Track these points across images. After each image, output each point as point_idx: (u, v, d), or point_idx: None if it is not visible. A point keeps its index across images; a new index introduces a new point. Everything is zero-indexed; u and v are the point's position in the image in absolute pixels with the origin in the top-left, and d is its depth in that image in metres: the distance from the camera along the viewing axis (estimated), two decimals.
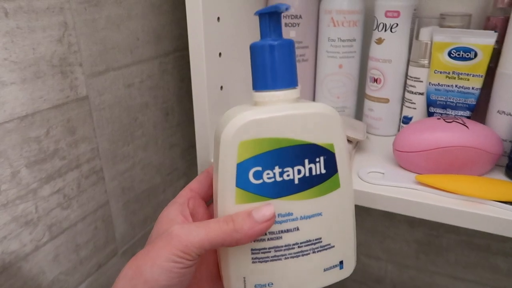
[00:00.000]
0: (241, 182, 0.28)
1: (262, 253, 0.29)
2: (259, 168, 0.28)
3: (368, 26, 0.54)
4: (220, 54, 0.45)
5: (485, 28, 0.48)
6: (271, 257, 0.30)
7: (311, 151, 0.28)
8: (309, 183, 0.29)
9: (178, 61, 0.55)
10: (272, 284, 0.30)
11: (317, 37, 0.55)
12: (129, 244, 0.51)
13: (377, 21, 0.51)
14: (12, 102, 0.34)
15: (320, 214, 0.30)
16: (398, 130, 0.55)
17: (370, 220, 0.71)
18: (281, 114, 0.28)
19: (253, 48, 0.29)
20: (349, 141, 0.49)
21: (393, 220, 0.68)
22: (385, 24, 0.50)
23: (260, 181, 0.28)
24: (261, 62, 0.28)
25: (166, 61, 0.52)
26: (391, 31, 0.50)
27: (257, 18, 0.29)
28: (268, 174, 0.28)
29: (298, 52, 0.55)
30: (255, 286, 0.30)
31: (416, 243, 0.69)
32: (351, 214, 0.32)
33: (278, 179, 0.28)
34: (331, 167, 0.29)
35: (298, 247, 0.30)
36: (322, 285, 0.31)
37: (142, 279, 0.26)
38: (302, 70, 0.56)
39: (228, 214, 0.28)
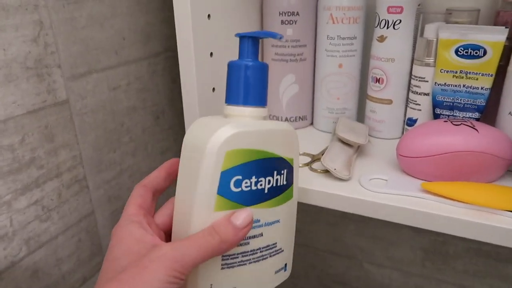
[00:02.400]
0: (222, 189, 0.29)
1: (231, 259, 0.31)
2: (240, 177, 0.29)
3: (370, 23, 0.51)
4: (211, 54, 0.43)
5: (495, 24, 0.45)
6: (238, 262, 0.31)
7: (279, 164, 0.32)
8: (274, 192, 0.32)
9: (169, 62, 0.52)
10: None
11: (315, 35, 0.52)
12: None
13: (379, 18, 0.48)
14: None
15: (278, 221, 0.33)
16: (402, 133, 0.52)
17: (373, 226, 0.68)
18: (259, 129, 0.30)
19: (232, 66, 0.32)
20: (349, 145, 0.46)
21: (397, 226, 0.65)
22: (388, 21, 0.47)
23: (239, 189, 0.29)
24: (238, 79, 0.31)
25: (156, 62, 0.50)
26: (393, 28, 0.47)
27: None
28: (246, 183, 0.30)
29: (295, 51, 0.52)
30: None
31: (421, 250, 0.66)
32: (294, 222, 0.36)
33: (253, 188, 0.30)
34: (290, 179, 0.33)
35: (260, 251, 0.32)
36: (272, 287, 0.34)
37: None
38: (300, 70, 0.53)
39: (205, 221, 0.29)
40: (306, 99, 0.56)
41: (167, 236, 0.33)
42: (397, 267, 0.69)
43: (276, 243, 0.33)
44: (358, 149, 0.47)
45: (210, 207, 0.29)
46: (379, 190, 0.40)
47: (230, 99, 0.32)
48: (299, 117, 0.56)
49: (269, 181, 0.31)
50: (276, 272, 0.34)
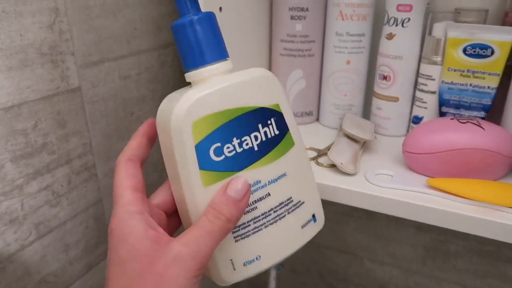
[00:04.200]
0: (204, 163, 0.27)
1: (242, 228, 0.29)
2: (218, 144, 0.27)
3: (378, 20, 0.51)
4: None
5: (503, 24, 0.46)
6: (252, 230, 0.29)
7: (262, 115, 0.29)
8: (267, 146, 0.29)
9: (178, 54, 0.52)
10: (260, 256, 0.29)
11: (324, 31, 0.53)
12: None
13: (388, 15, 0.48)
14: None
15: (284, 174, 0.30)
16: (408, 131, 0.52)
17: (375, 223, 0.68)
18: (224, 85, 0.27)
19: (175, 28, 0.28)
20: (356, 141, 0.46)
21: (399, 224, 0.66)
22: (397, 19, 0.48)
23: (222, 157, 0.27)
24: (187, 40, 0.28)
25: (165, 53, 0.50)
26: (402, 26, 0.48)
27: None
28: (228, 147, 0.27)
29: (303, 46, 0.53)
30: (244, 264, 0.29)
31: (423, 248, 0.66)
32: (309, 167, 0.33)
33: (239, 150, 0.28)
34: (282, 127, 0.30)
35: (274, 211, 0.30)
36: (304, 242, 0.32)
37: None
38: (308, 65, 0.54)
39: (198, 199, 0.27)
40: (313, 95, 0.56)
41: (169, 215, 0.31)
42: (398, 265, 0.70)
43: (290, 197, 0.31)
44: (364, 145, 0.48)
45: (198, 184, 0.27)
46: (385, 185, 0.40)
47: (187, 65, 0.28)
48: (305, 113, 0.56)
49: (256, 137, 0.28)
50: (304, 226, 0.32)
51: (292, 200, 0.31)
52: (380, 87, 0.51)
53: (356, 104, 0.54)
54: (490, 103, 0.44)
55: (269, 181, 0.29)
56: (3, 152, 0.33)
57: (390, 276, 0.71)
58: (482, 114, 0.45)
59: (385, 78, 0.50)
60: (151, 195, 0.31)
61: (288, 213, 0.30)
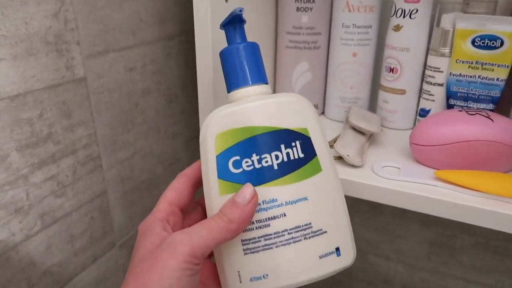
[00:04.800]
0: (222, 173, 0.29)
1: (253, 243, 0.29)
2: (238, 157, 0.29)
3: (385, 12, 0.51)
4: None
5: None
6: (262, 246, 0.29)
7: (286, 136, 0.29)
8: (288, 167, 0.29)
9: (183, 46, 0.52)
10: (267, 275, 0.29)
11: (330, 23, 0.52)
12: (128, 236, 0.49)
13: (396, 7, 0.48)
14: (1, 79, 0.32)
15: (305, 198, 0.30)
16: (415, 124, 0.52)
17: (381, 218, 0.68)
18: (252, 104, 0.29)
19: (223, 53, 0.31)
20: (362, 133, 0.46)
21: (404, 219, 0.65)
22: (404, 10, 0.47)
23: (240, 170, 0.29)
24: (231, 63, 0.31)
25: (170, 44, 0.50)
26: (410, 17, 0.47)
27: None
28: (246, 162, 0.29)
29: (309, 38, 0.52)
30: (251, 279, 0.29)
31: (428, 244, 0.66)
32: (340, 198, 0.32)
33: (257, 166, 0.29)
34: (309, 151, 0.30)
35: (288, 233, 0.29)
36: (321, 274, 0.30)
37: None
38: (314, 58, 0.53)
39: (214, 206, 0.29)
40: (319, 88, 0.56)
41: None
42: (403, 260, 0.69)
43: (310, 223, 0.30)
44: (371, 138, 0.47)
45: (215, 192, 0.29)
46: (392, 177, 0.40)
47: (229, 86, 0.32)
48: None
49: (277, 156, 0.29)
50: (322, 257, 0.30)
51: (311, 227, 0.30)
52: (386, 79, 0.51)
53: (362, 97, 0.54)
54: (499, 95, 0.44)
55: (286, 202, 0.29)
56: (9, 141, 0.33)
57: (395, 272, 0.71)
58: (491, 106, 0.44)
59: (391, 70, 0.50)
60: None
61: (305, 238, 0.30)
